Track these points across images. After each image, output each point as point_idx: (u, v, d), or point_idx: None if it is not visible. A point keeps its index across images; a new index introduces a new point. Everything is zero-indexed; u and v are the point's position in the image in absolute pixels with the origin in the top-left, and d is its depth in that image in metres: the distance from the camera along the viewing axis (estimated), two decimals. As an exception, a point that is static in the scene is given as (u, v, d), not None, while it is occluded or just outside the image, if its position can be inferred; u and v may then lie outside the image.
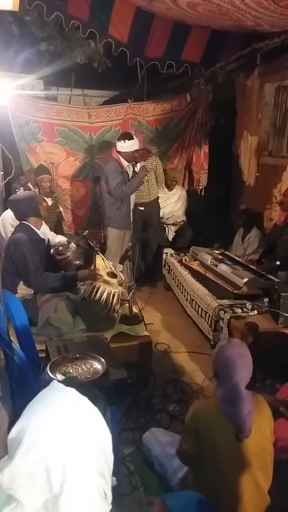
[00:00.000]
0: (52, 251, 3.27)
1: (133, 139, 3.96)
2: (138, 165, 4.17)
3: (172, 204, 5.04)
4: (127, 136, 3.99)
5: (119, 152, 4.00)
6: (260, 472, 1.62)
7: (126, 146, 3.94)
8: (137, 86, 4.79)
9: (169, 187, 4.93)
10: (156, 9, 3.43)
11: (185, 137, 5.07)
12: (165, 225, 4.97)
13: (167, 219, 5.03)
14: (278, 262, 3.44)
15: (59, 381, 0.91)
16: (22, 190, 3.86)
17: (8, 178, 2.65)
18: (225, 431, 1.59)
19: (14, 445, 0.79)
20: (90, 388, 0.94)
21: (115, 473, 1.65)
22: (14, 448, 0.78)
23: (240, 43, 4.08)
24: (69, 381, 0.90)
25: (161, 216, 4.94)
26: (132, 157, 4.06)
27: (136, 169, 4.17)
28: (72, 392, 0.85)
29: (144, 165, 4.20)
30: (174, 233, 4.98)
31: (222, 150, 5.25)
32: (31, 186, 4.10)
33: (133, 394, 1.95)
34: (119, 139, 4.01)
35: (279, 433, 1.86)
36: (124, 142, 3.93)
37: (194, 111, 4.96)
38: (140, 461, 2.11)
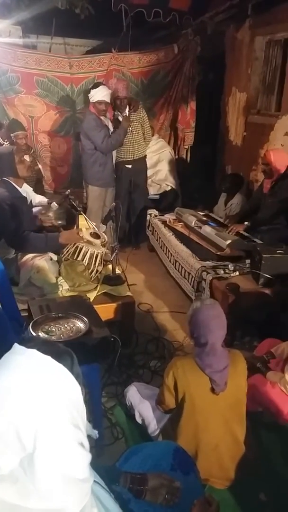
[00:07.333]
0: (34, 211, 3.19)
1: (102, 85, 3.79)
2: (120, 117, 3.97)
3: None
4: (96, 85, 3.82)
5: (93, 105, 3.82)
6: (236, 423, 1.71)
7: (95, 93, 3.74)
8: (122, 35, 4.53)
9: None
10: None
11: (171, 92, 4.87)
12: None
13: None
14: (246, 223, 3.47)
15: (19, 343, 0.89)
16: None
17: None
18: (202, 385, 1.65)
19: None
20: (54, 344, 0.94)
21: (97, 426, 1.71)
22: None
23: (231, -10, 3.85)
24: (30, 342, 0.89)
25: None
26: (102, 110, 3.84)
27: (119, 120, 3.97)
28: (34, 353, 0.85)
29: (126, 115, 3.95)
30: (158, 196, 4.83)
31: (210, 107, 5.09)
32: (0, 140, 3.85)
33: (116, 351, 1.99)
34: (91, 89, 3.82)
35: (256, 387, 1.95)
36: (94, 89, 3.77)
37: (182, 63, 4.74)
38: (122, 414, 2.19)
